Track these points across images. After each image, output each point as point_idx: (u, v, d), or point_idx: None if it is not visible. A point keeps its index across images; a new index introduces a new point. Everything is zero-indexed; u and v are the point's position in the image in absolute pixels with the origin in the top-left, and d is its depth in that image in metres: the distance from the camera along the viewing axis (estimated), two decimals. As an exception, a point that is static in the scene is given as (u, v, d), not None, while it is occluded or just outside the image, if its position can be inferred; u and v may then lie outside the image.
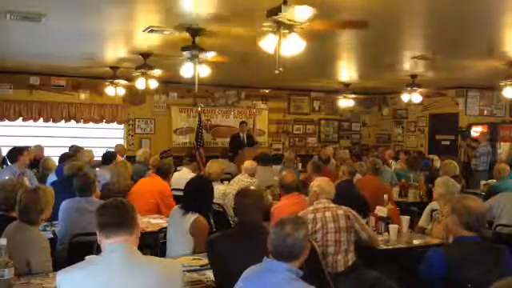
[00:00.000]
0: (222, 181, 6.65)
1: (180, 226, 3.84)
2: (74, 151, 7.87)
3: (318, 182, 4.22)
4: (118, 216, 2.26)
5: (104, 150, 8.26)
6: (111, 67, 8.46)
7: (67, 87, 10.43)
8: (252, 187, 5.65)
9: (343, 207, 4.02)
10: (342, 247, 3.87)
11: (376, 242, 4.18)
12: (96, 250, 3.37)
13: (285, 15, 3.66)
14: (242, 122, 11.26)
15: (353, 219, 3.96)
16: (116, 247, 2.20)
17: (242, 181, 6.24)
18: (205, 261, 3.41)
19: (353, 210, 4.04)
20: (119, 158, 8.32)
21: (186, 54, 5.58)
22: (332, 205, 4.03)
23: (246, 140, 10.89)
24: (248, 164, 6.63)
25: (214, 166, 6.39)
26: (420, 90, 9.13)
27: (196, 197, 3.96)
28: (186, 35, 5.48)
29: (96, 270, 2.20)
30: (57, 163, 7.08)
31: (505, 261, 2.91)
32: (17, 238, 3.11)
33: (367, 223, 4.71)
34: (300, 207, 4.27)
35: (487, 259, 2.91)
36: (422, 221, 4.89)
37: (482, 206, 3.10)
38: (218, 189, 5.97)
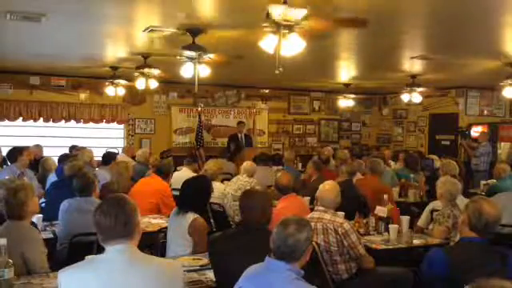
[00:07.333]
0: (222, 181, 6.66)
1: (179, 226, 3.84)
2: (75, 151, 7.86)
3: (322, 187, 4.10)
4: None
5: (104, 150, 8.26)
6: (111, 67, 8.45)
7: (67, 87, 10.43)
8: (257, 187, 5.66)
9: (338, 220, 3.87)
10: (335, 257, 3.84)
11: (367, 263, 3.87)
12: (96, 249, 3.38)
13: (280, 15, 3.65)
14: (240, 122, 11.30)
15: (342, 235, 3.78)
16: (116, 246, 2.20)
17: (240, 181, 6.25)
18: (205, 261, 3.41)
19: (348, 225, 3.83)
20: (126, 157, 8.36)
21: (185, 53, 5.58)
22: (327, 216, 3.90)
23: (244, 140, 10.89)
24: (247, 164, 6.63)
25: (211, 165, 6.41)
26: (420, 89, 9.13)
27: (191, 196, 3.96)
28: (186, 35, 5.48)
29: (97, 270, 2.20)
30: (57, 163, 7.08)
31: (509, 264, 2.87)
32: (11, 236, 3.07)
33: (367, 223, 4.71)
34: (298, 209, 4.25)
35: (491, 262, 2.87)
36: (422, 221, 4.89)
37: (496, 212, 2.95)
38: (218, 189, 5.97)
